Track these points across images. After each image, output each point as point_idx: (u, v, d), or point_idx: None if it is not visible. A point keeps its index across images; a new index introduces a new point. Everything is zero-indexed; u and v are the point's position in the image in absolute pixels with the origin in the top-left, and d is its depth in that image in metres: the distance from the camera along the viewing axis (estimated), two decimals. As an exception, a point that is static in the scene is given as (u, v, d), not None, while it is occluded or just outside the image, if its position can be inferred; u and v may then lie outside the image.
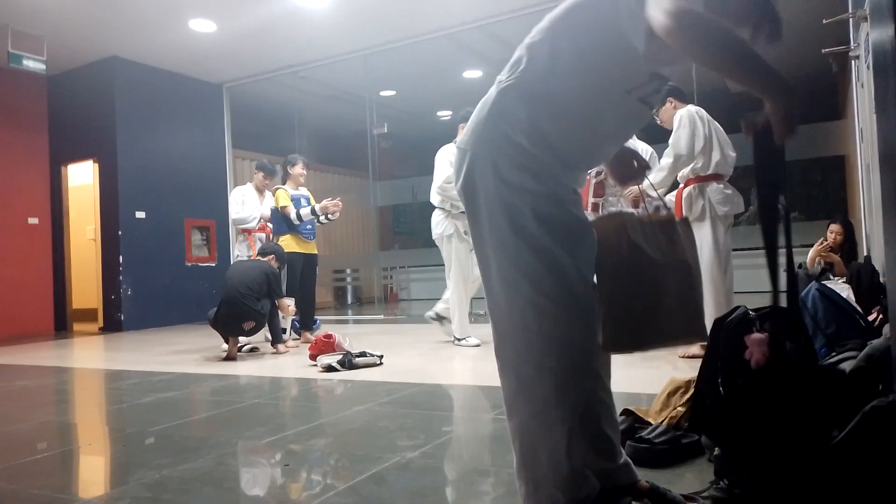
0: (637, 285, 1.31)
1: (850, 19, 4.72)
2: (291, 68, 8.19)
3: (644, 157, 1.58)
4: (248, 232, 5.52)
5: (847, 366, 1.43)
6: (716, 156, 3.61)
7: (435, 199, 4.68)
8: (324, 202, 5.20)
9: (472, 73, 8.76)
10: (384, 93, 9.03)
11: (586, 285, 1.30)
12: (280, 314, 4.84)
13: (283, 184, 5.37)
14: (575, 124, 1.30)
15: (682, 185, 3.76)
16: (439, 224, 4.63)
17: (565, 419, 1.26)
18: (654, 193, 3.74)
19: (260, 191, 5.59)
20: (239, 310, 4.36)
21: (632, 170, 1.55)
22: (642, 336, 1.33)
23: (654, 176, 3.71)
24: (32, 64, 6.58)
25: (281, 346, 4.71)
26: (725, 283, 3.64)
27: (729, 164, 3.67)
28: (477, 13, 6.76)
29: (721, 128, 3.70)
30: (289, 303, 4.86)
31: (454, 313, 4.60)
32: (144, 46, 7.23)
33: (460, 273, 4.53)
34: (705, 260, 3.61)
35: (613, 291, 1.32)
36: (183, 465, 2.00)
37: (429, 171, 9.35)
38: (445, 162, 4.51)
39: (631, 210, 1.44)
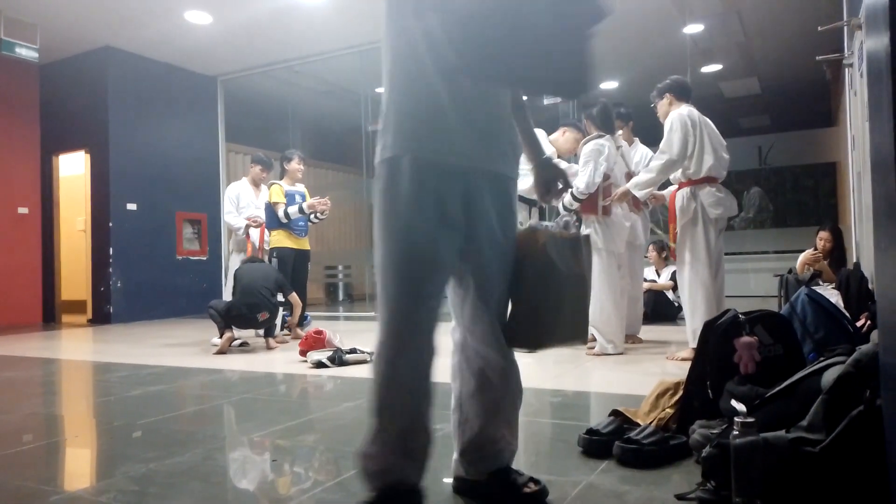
0: (545, 294, 1.48)
1: (845, 27, 4.75)
2: (287, 63, 8.16)
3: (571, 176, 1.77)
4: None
5: (835, 371, 1.44)
6: (708, 159, 3.59)
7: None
8: (311, 200, 5.17)
9: (468, 72, 8.75)
10: (379, 89, 8.95)
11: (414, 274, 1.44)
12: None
13: (281, 179, 5.37)
14: (418, 104, 1.46)
15: (675, 188, 3.77)
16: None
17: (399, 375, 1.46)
18: (638, 194, 3.76)
19: (256, 185, 5.58)
20: (257, 300, 4.51)
21: (554, 189, 1.71)
22: (540, 339, 1.51)
23: (642, 177, 3.72)
24: (25, 52, 6.52)
25: (272, 341, 4.70)
26: (716, 286, 3.63)
27: (722, 167, 3.66)
28: (474, 12, 6.75)
29: (715, 128, 3.70)
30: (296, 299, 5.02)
31: None
32: (139, 37, 7.18)
33: None
34: (698, 262, 3.61)
35: (526, 296, 1.50)
36: (170, 459, 1.99)
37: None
38: (543, 139, 4.23)
39: (546, 225, 1.56)
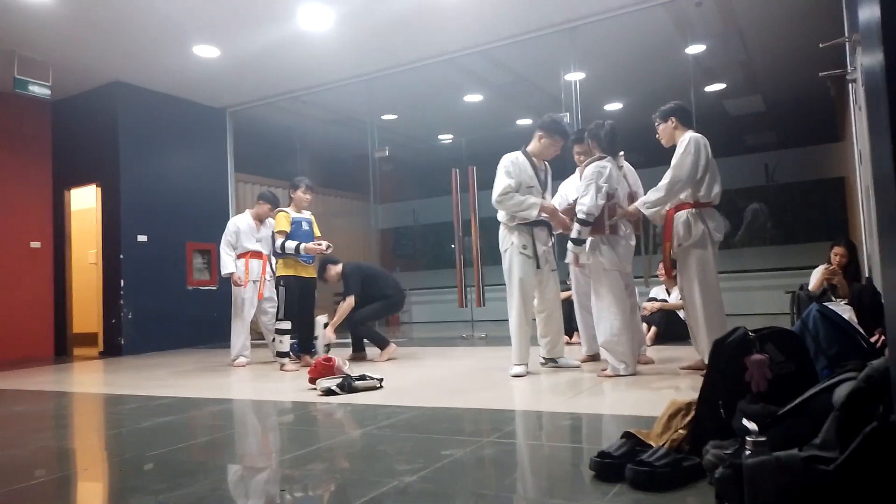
0: None
1: (847, 43, 4.77)
2: (294, 93, 8.28)
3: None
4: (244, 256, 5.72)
5: (847, 387, 1.42)
6: (716, 187, 3.73)
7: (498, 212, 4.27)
8: (310, 244, 5.18)
9: (473, 98, 8.84)
10: (386, 117, 9.11)
11: None
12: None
13: (288, 206, 5.40)
14: None
15: (672, 208, 3.79)
16: (501, 239, 4.22)
17: None
18: (647, 212, 3.80)
19: (260, 220, 5.74)
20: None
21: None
22: None
23: (651, 196, 3.75)
24: (38, 89, 6.66)
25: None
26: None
27: (720, 195, 3.78)
28: (477, 38, 6.84)
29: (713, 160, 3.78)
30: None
31: (513, 335, 4.14)
32: (148, 72, 7.32)
33: (520, 290, 4.10)
34: (710, 281, 3.71)
35: None
36: (179, 491, 1.98)
37: (429, 194, 9.37)
38: (502, 172, 4.13)
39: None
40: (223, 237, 5.71)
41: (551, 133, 4.18)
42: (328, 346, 5.28)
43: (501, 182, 4.08)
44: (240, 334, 5.67)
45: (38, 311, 7.78)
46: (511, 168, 4.11)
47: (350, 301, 5.34)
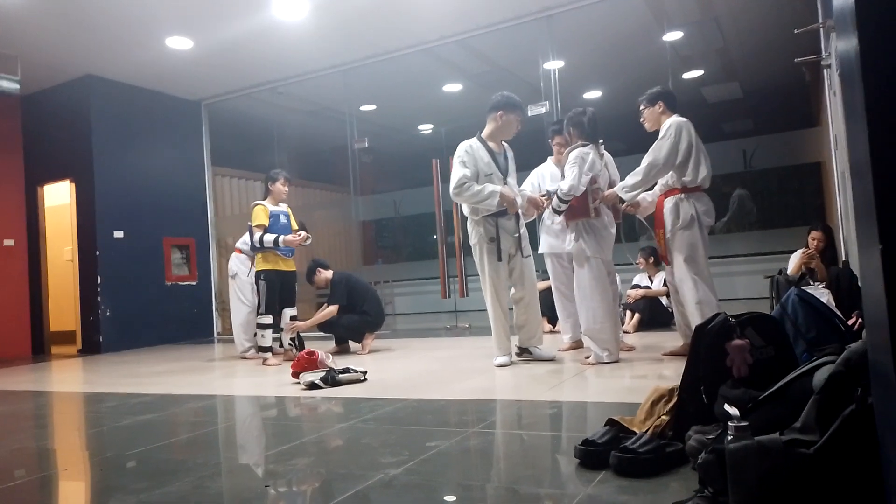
0: None
1: (821, 29, 4.81)
2: (270, 84, 8.18)
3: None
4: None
5: (826, 371, 1.43)
6: (703, 170, 3.71)
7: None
8: (288, 237, 5.11)
9: (452, 87, 8.81)
10: (364, 107, 9.04)
11: None
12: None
13: (264, 199, 5.32)
14: None
15: (662, 194, 3.80)
16: (470, 233, 4.17)
17: None
18: (626, 196, 3.83)
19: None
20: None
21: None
22: None
23: (629, 179, 3.76)
24: (6, 84, 6.50)
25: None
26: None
27: (709, 178, 3.77)
28: (455, 28, 6.80)
29: (702, 143, 3.77)
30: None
31: (492, 327, 4.12)
32: (120, 64, 7.18)
33: (491, 283, 4.08)
34: (700, 265, 3.71)
35: None
36: (161, 489, 1.96)
37: (410, 185, 9.34)
38: (457, 163, 4.05)
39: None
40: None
41: (512, 109, 4.08)
42: (293, 340, 5.26)
43: (457, 173, 4.00)
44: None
45: (13, 309, 7.63)
46: (465, 157, 4.04)
47: (332, 310, 5.27)
